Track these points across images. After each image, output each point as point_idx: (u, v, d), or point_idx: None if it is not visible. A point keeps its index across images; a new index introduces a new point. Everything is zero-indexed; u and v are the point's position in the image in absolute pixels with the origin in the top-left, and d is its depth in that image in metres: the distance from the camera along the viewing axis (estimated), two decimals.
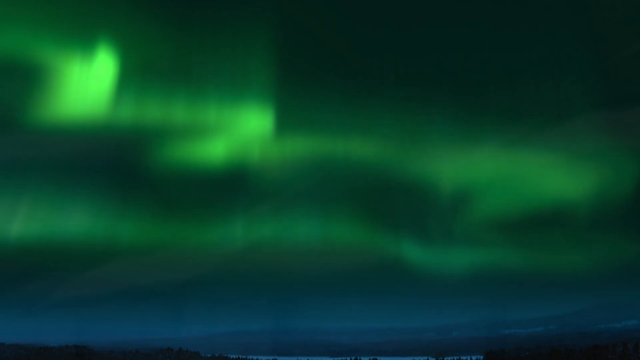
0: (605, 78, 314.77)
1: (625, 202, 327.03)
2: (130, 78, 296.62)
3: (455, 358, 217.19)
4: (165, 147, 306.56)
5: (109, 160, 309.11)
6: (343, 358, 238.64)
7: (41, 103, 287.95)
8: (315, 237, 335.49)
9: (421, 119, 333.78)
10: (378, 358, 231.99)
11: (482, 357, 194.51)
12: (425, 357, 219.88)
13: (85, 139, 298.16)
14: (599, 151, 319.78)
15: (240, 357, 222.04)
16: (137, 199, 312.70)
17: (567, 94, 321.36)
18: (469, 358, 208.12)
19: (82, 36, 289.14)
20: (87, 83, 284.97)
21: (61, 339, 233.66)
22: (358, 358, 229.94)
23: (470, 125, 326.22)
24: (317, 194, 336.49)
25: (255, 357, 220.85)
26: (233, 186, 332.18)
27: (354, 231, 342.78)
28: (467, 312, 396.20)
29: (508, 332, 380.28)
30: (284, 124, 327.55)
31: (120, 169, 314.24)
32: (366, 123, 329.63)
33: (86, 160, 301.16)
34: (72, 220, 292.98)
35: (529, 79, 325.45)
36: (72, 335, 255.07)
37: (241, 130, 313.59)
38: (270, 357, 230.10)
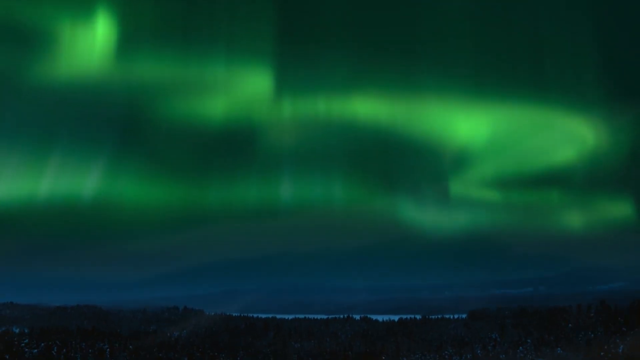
0: (604, 46, 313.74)
1: (621, 165, 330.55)
2: (130, 39, 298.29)
3: (439, 316, 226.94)
4: (165, 106, 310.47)
5: (109, 119, 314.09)
6: (337, 316, 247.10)
7: (43, 66, 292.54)
8: (312, 198, 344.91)
9: (421, 80, 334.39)
10: (369, 316, 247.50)
11: (465, 316, 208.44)
12: (413, 315, 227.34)
13: (87, 100, 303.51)
14: (596, 113, 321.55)
15: (242, 314, 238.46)
16: (137, 157, 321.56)
17: (569, 60, 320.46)
18: (453, 316, 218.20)
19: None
20: (88, 45, 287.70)
21: (72, 299, 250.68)
22: (350, 316, 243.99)
23: (467, 86, 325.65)
24: (315, 154, 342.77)
25: (255, 315, 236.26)
26: (232, 146, 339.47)
27: (351, 192, 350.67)
28: (459, 272, 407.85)
29: (498, 292, 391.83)
30: (284, 84, 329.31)
31: (121, 127, 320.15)
32: (366, 84, 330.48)
33: (86, 120, 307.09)
34: (74, 180, 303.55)
35: (532, 43, 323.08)
36: (83, 296, 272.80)
37: (241, 90, 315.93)
38: (269, 315, 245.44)
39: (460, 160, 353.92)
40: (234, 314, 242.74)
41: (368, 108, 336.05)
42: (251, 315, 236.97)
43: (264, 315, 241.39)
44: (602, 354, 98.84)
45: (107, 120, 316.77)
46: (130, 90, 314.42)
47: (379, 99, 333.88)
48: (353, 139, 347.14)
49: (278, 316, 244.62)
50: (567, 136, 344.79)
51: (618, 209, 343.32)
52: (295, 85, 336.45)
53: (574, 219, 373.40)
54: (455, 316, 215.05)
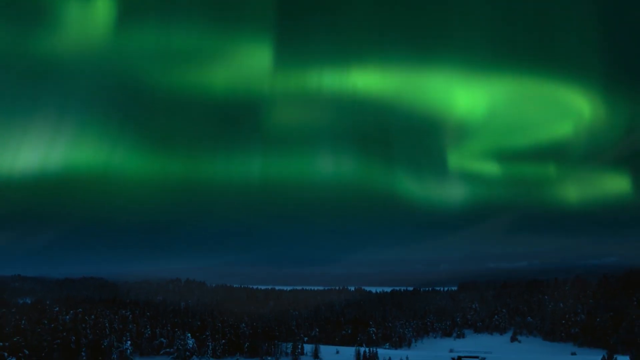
0: (603, 21, 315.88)
1: (618, 139, 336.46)
2: (131, 11, 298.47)
3: (430, 289, 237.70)
4: (164, 77, 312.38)
5: (110, 90, 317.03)
6: (333, 287, 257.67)
7: (46, 39, 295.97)
8: (311, 171, 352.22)
9: (422, 54, 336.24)
10: (363, 287, 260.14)
11: (455, 288, 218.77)
12: (405, 287, 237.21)
13: (89, 71, 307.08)
14: (594, 87, 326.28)
15: (242, 286, 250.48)
16: (136, 128, 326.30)
17: (568, 34, 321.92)
18: (443, 289, 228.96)
19: None
20: (89, 18, 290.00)
21: (76, 272, 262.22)
22: (345, 287, 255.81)
23: (467, 59, 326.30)
24: (314, 127, 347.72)
25: (255, 286, 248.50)
26: (232, 118, 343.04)
27: (349, 165, 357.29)
28: (456, 246, 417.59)
29: (493, 265, 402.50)
30: (283, 57, 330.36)
31: (121, 98, 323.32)
32: (366, 57, 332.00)
33: (89, 92, 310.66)
34: (75, 150, 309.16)
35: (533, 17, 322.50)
36: (86, 269, 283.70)
37: (240, 62, 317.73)
38: (269, 286, 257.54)
39: (459, 133, 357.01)
40: (234, 285, 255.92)
41: (367, 81, 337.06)
42: (251, 286, 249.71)
43: (263, 287, 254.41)
44: (563, 321, 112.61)
45: (107, 90, 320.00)
46: (130, 61, 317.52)
47: (379, 73, 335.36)
48: (352, 112, 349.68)
49: (277, 287, 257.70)
50: (564, 110, 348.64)
51: (614, 184, 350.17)
52: (294, 57, 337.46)
53: (571, 193, 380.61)
54: (446, 288, 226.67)
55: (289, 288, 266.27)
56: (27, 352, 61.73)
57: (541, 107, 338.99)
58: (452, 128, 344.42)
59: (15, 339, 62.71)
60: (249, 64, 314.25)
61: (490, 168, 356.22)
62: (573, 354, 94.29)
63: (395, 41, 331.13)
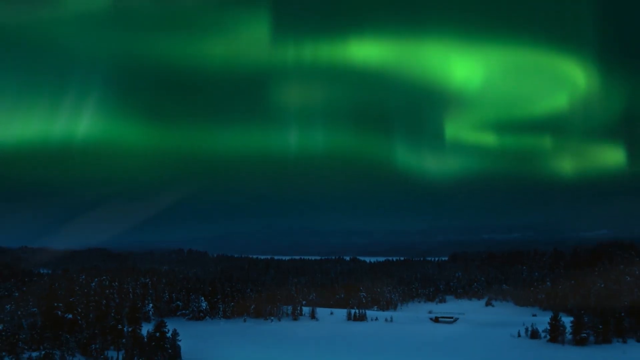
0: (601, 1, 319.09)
1: (613, 113, 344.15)
2: None
3: (421, 259, 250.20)
4: (162, 47, 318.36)
5: (109, 59, 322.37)
6: (329, 257, 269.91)
7: (45, 10, 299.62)
8: (309, 144, 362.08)
9: (418, 24, 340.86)
10: (358, 257, 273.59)
11: (446, 258, 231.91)
12: (397, 257, 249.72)
13: (89, 43, 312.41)
14: (590, 58, 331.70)
15: (243, 255, 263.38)
16: (134, 99, 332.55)
17: (564, 4, 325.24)
18: (434, 259, 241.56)
19: None
20: None
21: (78, 244, 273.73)
22: (341, 257, 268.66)
23: (464, 29, 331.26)
24: (311, 97, 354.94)
25: (254, 256, 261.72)
26: (230, 91, 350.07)
27: (347, 137, 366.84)
28: (452, 217, 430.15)
29: (487, 236, 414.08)
30: (281, 28, 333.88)
31: (118, 68, 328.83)
32: (363, 28, 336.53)
33: (86, 64, 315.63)
34: (74, 121, 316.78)
35: None
36: (94, 240, 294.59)
37: (238, 34, 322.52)
38: (268, 256, 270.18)
39: (456, 104, 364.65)
40: (235, 255, 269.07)
41: (365, 52, 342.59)
42: (251, 256, 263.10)
43: (263, 257, 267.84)
44: (532, 288, 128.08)
45: (104, 61, 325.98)
46: (128, 33, 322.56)
47: (376, 43, 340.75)
48: (349, 83, 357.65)
49: (276, 257, 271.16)
50: (560, 80, 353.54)
51: (609, 156, 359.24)
52: (292, 29, 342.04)
53: (565, 165, 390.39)
54: (436, 259, 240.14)
55: (287, 258, 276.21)
56: (79, 309, 76.04)
57: (537, 78, 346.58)
58: (449, 99, 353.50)
59: (71, 299, 77.01)
60: (247, 36, 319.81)
61: (487, 139, 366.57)
62: (534, 315, 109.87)
63: (392, 12, 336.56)
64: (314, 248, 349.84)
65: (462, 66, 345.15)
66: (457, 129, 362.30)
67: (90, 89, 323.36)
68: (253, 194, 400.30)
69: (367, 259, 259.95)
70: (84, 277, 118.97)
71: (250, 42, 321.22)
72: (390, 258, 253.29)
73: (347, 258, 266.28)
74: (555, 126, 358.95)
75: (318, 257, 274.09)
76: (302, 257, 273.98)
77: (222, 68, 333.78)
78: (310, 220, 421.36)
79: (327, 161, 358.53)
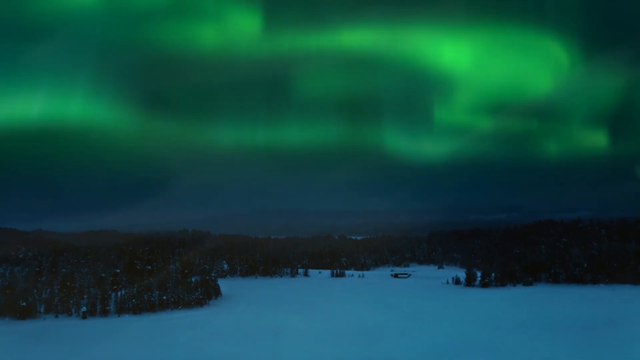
0: None
1: (596, 95, 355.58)
2: None
3: (402, 236, 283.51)
4: (155, 34, 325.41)
5: (103, 44, 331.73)
6: (319, 235, 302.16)
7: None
8: (300, 128, 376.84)
9: (406, 7, 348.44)
10: (347, 235, 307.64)
11: (426, 236, 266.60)
12: (381, 235, 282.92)
13: (84, 31, 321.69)
14: (576, 40, 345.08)
15: (241, 234, 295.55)
16: (131, 85, 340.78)
17: None
18: (414, 236, 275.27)
19: None
20: None
21: (77, 226, 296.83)
22: (330, 235, 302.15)
23: (449, 12, 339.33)
24: (305, 87, 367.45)
25: (252, 235, 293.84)
26: (225, 80, 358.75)
27: (339, 120, 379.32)
28: (440, 198, 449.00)
29: (473, 217, 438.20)
30: (273, 17, 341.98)
31: (110, 54, 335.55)
32: (354, 12, 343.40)
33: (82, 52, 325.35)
34: (61, 107, 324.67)
35: None
36: (85, 223, 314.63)
37: (229, 22, 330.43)
38: (265, 236, 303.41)
39: (444, 87, 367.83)
40: (235, 234, 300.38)
41: (355, 36, 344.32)
42: (249, 235, 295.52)
43: (260, 236, 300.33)
44: (472, 255, 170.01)
45: (98, 46, 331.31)
46: (123, 20, 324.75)
47: (367, 28, 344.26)
48: (338, 67, 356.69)
49: (272, 236, 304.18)
50: (545, 62, 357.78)
51: (592, 139, 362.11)
52: (283, 18, 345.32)
53: (551, 147, 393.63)
54: (415, 236, 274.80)
55: (282, 237, 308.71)
56: (153, 265, 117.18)
57: (523, 58, 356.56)
58: (438, 81, 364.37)
59: (146, 249, 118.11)
60: (238, 25, 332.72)
61: (476, 122, 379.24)
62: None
63: None
64: (306, 229, 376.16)
65: (450, 47, 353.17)
66: (446, 112, 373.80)
67: (82, 76, 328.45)
68: (249, 178, 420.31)
69: (354, 237, 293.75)
70: (113, 257, 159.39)
71: (241, 30, 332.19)
72: (374, 236, 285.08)
73: (336, 236, 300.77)
74: (541, 109, 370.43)
75: (309, 236, 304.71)
76: (296, 236, 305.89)
77: (212, 57, 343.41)
78: (303, 202, 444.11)
79: (318, 145, 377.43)
